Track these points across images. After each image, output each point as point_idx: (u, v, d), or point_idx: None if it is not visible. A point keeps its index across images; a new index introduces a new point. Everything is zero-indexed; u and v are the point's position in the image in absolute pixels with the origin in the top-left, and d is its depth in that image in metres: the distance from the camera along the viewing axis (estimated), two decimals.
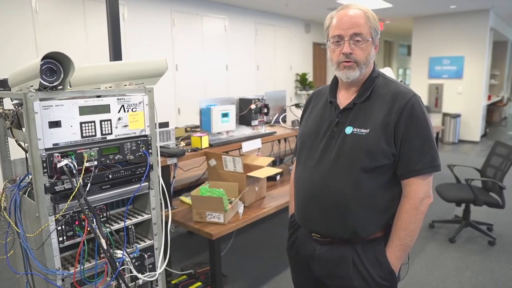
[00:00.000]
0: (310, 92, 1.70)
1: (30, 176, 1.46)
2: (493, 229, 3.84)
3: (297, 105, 3.63)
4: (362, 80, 1.41)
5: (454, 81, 8.57)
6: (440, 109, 8.77)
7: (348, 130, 1.36)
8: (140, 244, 1.66)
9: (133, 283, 1.63)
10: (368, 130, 1.32)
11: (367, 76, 1.41)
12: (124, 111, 1.55)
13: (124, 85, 1.63)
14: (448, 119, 8.50)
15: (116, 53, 2.25)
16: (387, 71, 5.19)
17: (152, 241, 1.70)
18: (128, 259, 1.55)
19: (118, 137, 1.54)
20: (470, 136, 8.65)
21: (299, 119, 1.68)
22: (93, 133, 1.47)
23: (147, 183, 1.65)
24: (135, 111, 1.58)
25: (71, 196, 1.35)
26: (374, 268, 1.36)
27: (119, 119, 1.54)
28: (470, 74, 8.37)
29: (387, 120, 1.31)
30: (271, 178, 3.07)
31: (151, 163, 1.64)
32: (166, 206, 1.81)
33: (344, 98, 1.44)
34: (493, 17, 8.37)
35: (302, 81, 8.97)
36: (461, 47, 8.40)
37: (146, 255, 1.68)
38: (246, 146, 2.88)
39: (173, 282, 2.67)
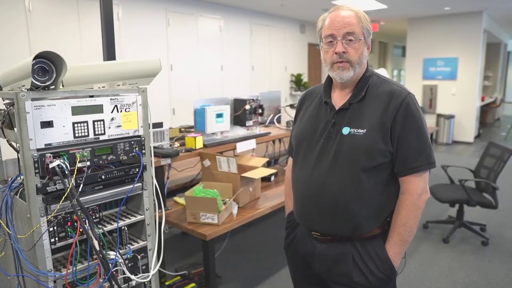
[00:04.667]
0: None
1: (21, 177, 1.45)
2: (486, 229, 3.87)
3: (291, 106, 3.64)
4: (356, 80, 1.42)
5: (448, 82, 8.62)
6: (434, 110, 8.82)
7: (345, 130, 1.37)
8: (133, 245, 1.65)
9: (126, 284, 1.62)
10: (365, 130, 1.34)
11: (361, 75, 1.42)
12: (117, 111, 1.54)
13: (118, 85, 1.62)
14: (442, 120, 8.55)
15: (109, 53, 2.23)
16: (382, 72, 5.21)
17: (146, 242, 1.69)
18: (121, 260, 1.54)
19: (111, 137, 1.53)
20: (464, 137, 8.70)
21: (293, 119, 1.68)
22: (86, 133, 1.46)
23: (140, 184, 1.64)
24: (129, 111, 1.57)
25: (63, 197, 1.34)
26: (374, 264, 1.38)
27: (112, 119, 1.53)
28: (464, 76, 8.43)
29: (383, 119, 1.33)
30: (265, 179, 3.06)
31: (145, 163, 1.63)
32: (160, 207, 1.80)
33: (339, 99, 1.45)
34: (487, 19, 8.43)
35: (297, 82, 8.98)
36: (455, 49, 8.46)
37: (139, 256, 1.67)
38: (241, 147, 2.88)
39: (167, 283, 2.66)
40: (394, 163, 1.36)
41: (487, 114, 11.37)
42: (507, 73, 15.18)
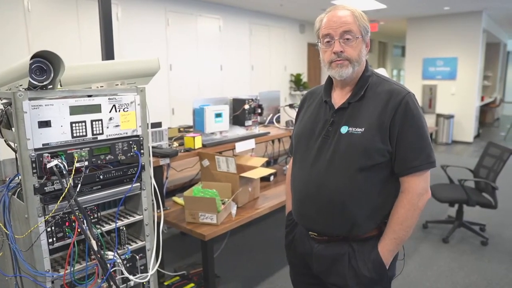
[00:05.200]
0: (305, 92, 1.73)
1: (19, 177, 1.44)
2: (485, 229, 3.86)
3: (291, 106, 3.63)
4: (356, 79, 1.42)
5: (448, 82, 8.62)
6: (433, 110, 8.82)
7: (344, 129, 1.37)
8: (131, 245, 1.65)
9: (125, 284, 1.61)
10: (363, 129, 1.33)
11: (360, 75, 1.42)
12: (116, 111, 1.54)
13: (116, 85, 1.61)
14: (441, 120, 8.55)
15: (108, 53, 2.23)
16: (382, 72, 5.21)
17: (144, 242, 1.69)
18: (119, 260, 1.54)
19: (109, 137, 1.53)
20: (464, 137, 8.70)
21: (294, 119, 1.68)
22: (84, 133, 1.45)
23: (138, 184, 1.63)
24: (127, 111, 1.57)
25: (61, 197, 1.34)
26: (366, 264, 1.37)
27: (111, 119, 1.52)
28: (464, 75, 8.42)
29: (381, 118, 1.32)
30: (264, 179, 3.06)
31: (143, 163, 1.62)
32: (158, 207, 1.80)
33: (338, 98, 1.45)
34: (486, 18, 8.43)
35: (297, 82, 8.98)
36: (454, 49, 8.45)
37: (137, 257, 1.66)
38: (240, 147, 2.87)
39: (165, 283, 2.65)
40: (394, 163, 1.35)
41: (486, 114, 11.37)
42: (507, 73, 15.18)
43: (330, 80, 1.50)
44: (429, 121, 8.74)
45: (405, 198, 1.35)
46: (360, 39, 1.35)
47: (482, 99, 10.02)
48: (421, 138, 1.33)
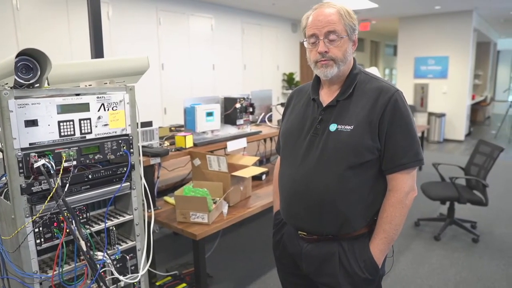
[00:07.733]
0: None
1: (6, 177, 1.42)
2: (476, 226, 3.90)
3: (283, 104, 3.62)
4: (343, 77, 1.41)
5: (439, 80, 8.68)
6: (425, 108, 8.88)
7: (332, 127, 1.36)
8: (121, 245, 1.63)
9: (115, 285, 1.60)
10: (352, 126, 1.33)
11: (348, 73, 1.41)
12: (104, 110, 1.52)
13: (105, 83, 1.59)
14: (433, 118, 8.61)
15: (97, 51, 2.20)
16: (373, 71, 5.22)
17: (135, 242, 1.67)
18: (109, 261, 1.52)
19: (98, 136, 1.51)
20: (455, 135, 8.77)
21: (281, 117, 1.67)
22: (72, 132, 1.43)
23: (128, 183, 1.62)
24: (116, 109, 1.55)
25: (49, 197, 1.32)
26: (358, 264, 1.37)
27: (99, 118, 1.50)
28: (455, 74, 8.49)
29: (370, 116, 1.32)
30: (256, 178, 3.05)
31: (133, 162, 1.60)
32: (149, 207, 1.78)
33: (326, 96, 1.44)
34: (477, 18, 8.50)
35: (289, 81, 8.98)
36: (445, 47, 8.52)
37: (128, 257, 1.65)
38: (231, 146, 2.86)
39: (157, 283, 2.64)
40: (382, 160, 1.35)
41: (477, 113, 11.48)
42: (497, 72, 15.35)
43: (318, 78, 1.49)
44: (421, 119, 8.81)
45: (393, 197, 1.35)
46: (345, 38, 1.34)
47: (473, 97, 10.10)
48: (409, 136, 1.33)
